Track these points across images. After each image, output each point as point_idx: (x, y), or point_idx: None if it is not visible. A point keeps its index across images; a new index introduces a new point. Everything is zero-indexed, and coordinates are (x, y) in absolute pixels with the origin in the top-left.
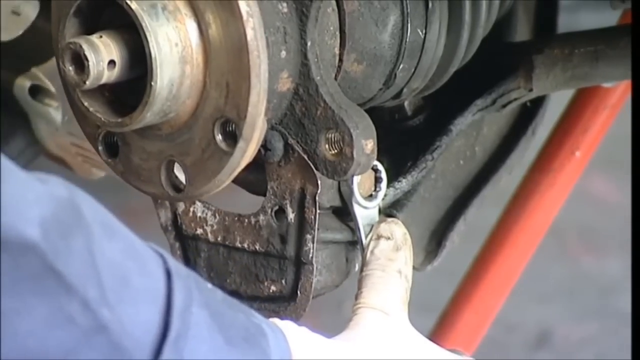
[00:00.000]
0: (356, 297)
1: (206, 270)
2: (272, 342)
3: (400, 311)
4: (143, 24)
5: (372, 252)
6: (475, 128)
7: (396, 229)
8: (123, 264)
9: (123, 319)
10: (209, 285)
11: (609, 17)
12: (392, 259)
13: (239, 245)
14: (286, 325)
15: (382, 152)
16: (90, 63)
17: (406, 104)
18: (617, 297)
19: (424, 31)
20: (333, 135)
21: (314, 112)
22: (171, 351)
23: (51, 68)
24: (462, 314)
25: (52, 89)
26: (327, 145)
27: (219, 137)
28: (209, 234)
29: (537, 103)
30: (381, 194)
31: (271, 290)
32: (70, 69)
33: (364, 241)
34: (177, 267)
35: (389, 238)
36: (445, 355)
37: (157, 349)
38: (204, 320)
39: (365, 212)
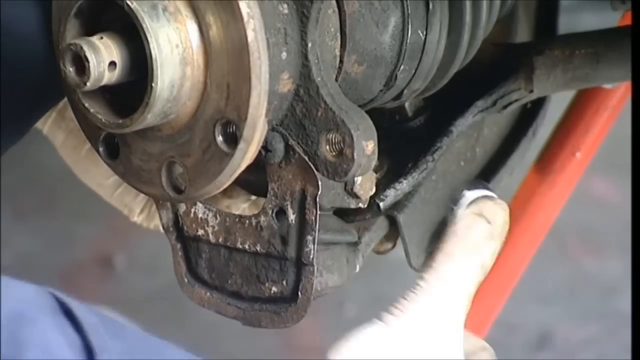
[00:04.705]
0: (428, 262)
1: (207, 272)
2: None
3: (455, 329)
4: (144, 25)
5: (469, 226)
6: (475, 129)
7: (501, 214)
8: None
9: None
10: None
11: (610, 19)
12: (481, 248)
13: (240, 247)
14: None
15: (383, 153)
16: (91, 64)
17: (407, 105)
18: (617, 297)
19: (424, 32)
20: (333, 136)
21: (314, 114)
22: None
23: None
24: None
25: None
26: (327, 147)
27: (219, 139)
28: (210, 235)
29: (538, 104)
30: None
31: (272, 292)
32: (70, 70)
33: None
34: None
35: (489, 222)
36: None
37: None
38: None
39: None
